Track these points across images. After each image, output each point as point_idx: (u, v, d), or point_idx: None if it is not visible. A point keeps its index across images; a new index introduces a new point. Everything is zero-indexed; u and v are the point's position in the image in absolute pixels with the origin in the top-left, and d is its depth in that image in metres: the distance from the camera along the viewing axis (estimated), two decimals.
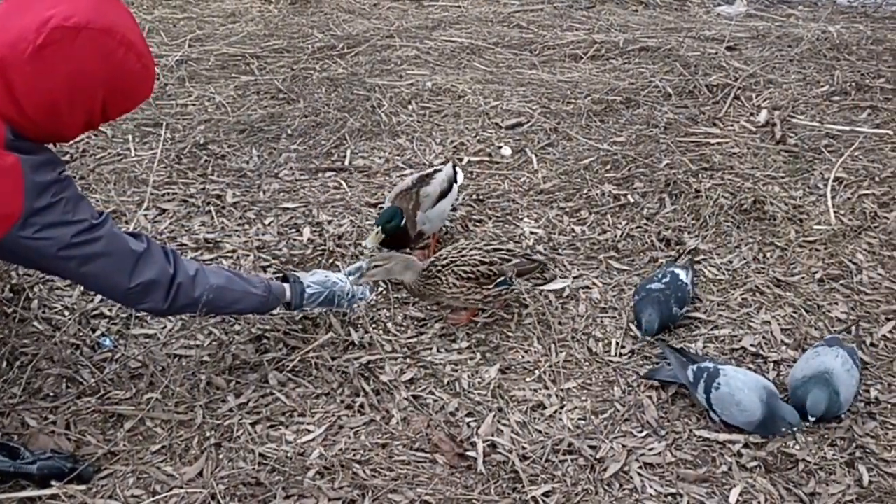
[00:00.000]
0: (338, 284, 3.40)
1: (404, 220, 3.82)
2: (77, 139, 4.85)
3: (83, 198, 2.70)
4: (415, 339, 3.55)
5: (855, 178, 4.66)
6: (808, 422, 3.06)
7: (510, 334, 3.59)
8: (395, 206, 3.87)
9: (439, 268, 3.49)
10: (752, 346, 3.52)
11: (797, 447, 3.03)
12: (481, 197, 4.55)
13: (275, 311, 3.60)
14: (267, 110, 5.42)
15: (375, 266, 3.40)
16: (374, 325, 3.60)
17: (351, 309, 3.55)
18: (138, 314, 3.59)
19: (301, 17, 7.35)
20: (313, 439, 3.02)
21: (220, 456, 2.96)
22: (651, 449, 3.04)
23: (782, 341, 3.56)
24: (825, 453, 3.02)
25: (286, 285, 3.31)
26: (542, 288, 3.68)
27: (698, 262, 4.01)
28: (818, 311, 3.74)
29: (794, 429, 3.05)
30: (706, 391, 3.10)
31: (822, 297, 3.82)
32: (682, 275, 3.65)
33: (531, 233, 4.25)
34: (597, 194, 4.54)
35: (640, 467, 2.96)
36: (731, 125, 5.27)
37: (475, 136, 5.13)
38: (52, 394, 3.20)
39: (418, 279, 3.49)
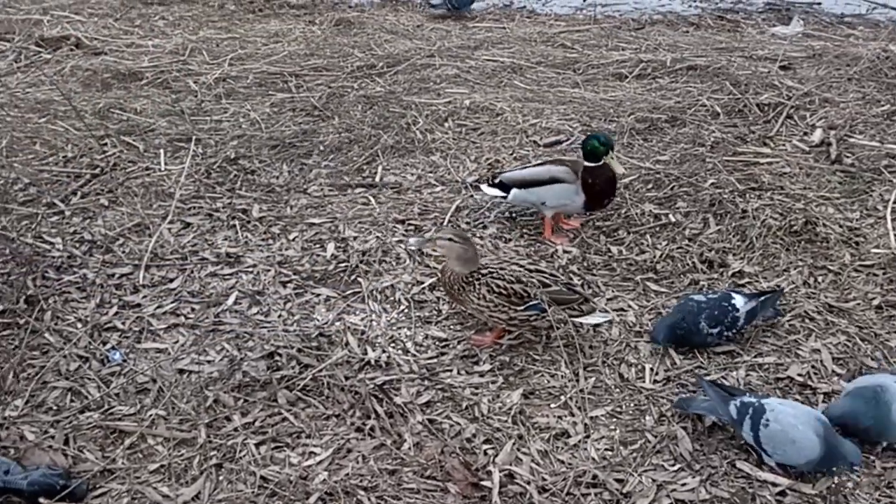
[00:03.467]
0: None
1: None
2: (108, 153, 4.83)
3: None
4: (434, 360, 3.36)
5: None
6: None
7: (536, 357, 3.37)
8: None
9: (478, 276, 3.32)
10: (799, 375, 3.24)
11: (849, 484, 2.73)
12: (513, 214, 4.35)
13: (290, 329, 3.47)
14: (301, 127, 5.33)
15: (450, 239, 3.30)
16: (392, 344, 3.42)
17: None
18: (151, 328, 3.48)
19: (343, 37, 7.31)
20: (318, 463, 2.85)
21: (220, 477, 2.80)
22: (684, 484, 2.77)
23: (833, 371, 3.26)
24: (881, 495, 2.72)
25: None
26: (577, 320, 3.38)
27: (742, 286, 3.75)
28: (875, 340, 3.43)
29: (855, 468, 2.73)
30: (753, 429, 2.80)
31: (879, 325, 3.51)
32: (738, 301, 3.37)
33: (564, 252, 4.03)
34: (636, 213, 4.30)
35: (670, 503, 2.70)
36: (783, 144, 4.99)
37: (511, 154, 4.95)
38: (55, 407, 3.09)
39: (460, 277, 3.33)
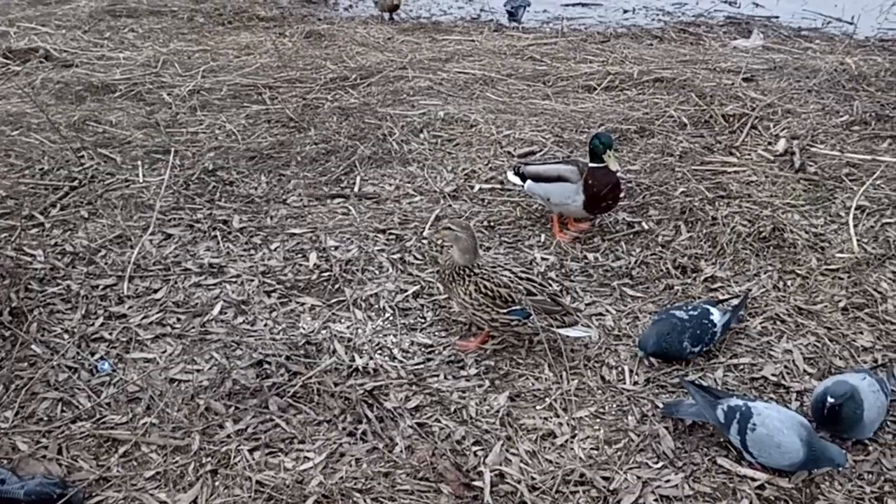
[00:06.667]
0: None
1: None
2: (86, 165, 4.83)
3: None
4: (421, 366, 3.43)
5: (877, 207, 4.52)
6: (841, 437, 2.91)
7: (520, 361, 3.47)
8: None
9: (470, 273, 3.42)
10: (773, 375, 3.38)
11: (824, 479, 2.86)
12: (492, 224, 4.45)
13: (277, 337, 3.51)
14: (277, 138, 5.38)
15: (450, 228, 3.43)
16: (379, 351, 3.49)
17: None
18: (139, 338, 3.50)
19: (315, 49, 7.37)
20: (313, 467, 2.90)
21: (216, 483, 2.84)
22: (667, 481, 2.88)
23: (805, 371, 3.40)
24: (852, 486, 2.86)
25: None
26: (558, 331, 3.46)
27: (715, 290, 3.89)
28: (843, 340, 3.58)
29: (842, 469, 2.86)
30: (740, 433, 2.91)
31: (846, 327, 3.67)
32: (716, 315, 3.48)
33: (542, 259, 4.14)
34: (610, 222, 4.43)
35: (655, 500, 2.80)
36: (749, 154, 5.17)
37: (487, 164, 5.06)
38: (46, 417, 3.10)
39: (454, 268, 3.44)
